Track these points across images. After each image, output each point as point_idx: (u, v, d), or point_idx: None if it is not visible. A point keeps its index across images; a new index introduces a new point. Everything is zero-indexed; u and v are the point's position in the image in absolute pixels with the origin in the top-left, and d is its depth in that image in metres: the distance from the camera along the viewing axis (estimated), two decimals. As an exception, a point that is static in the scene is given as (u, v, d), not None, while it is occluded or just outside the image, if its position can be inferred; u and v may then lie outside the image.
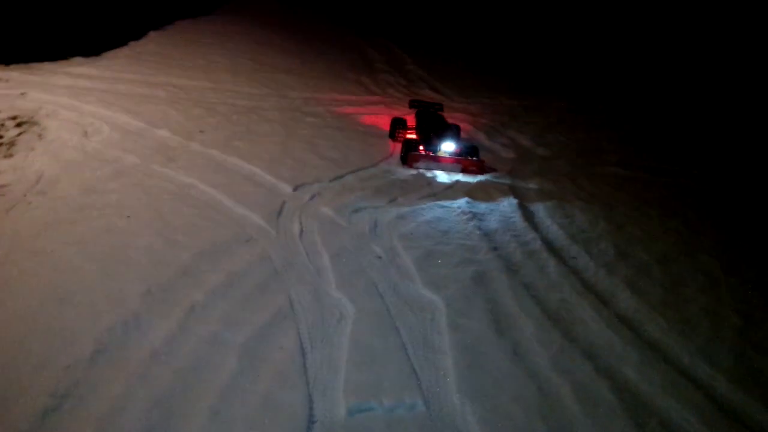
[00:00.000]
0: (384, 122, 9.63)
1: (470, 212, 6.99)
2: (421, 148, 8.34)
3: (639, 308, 5.51)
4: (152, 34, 12.53)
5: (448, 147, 8.29)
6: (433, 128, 8.58)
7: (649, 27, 19.80)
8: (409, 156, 8.13)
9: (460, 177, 8.10)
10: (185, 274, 4.98)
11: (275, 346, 4.40)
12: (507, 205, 7.35)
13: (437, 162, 8.17)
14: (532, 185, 8.06)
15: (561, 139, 10.08)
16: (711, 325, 5.41)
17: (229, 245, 5.53)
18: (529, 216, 7.12)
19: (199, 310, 4.60)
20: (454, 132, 8.49)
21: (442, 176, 8.05)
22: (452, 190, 7.61)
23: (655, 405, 4.40)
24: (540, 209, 7.34)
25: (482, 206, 7.21)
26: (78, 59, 10.25)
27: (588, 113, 11.78)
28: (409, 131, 9.06)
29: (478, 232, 6.55)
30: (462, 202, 7.22)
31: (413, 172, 8.04)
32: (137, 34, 12.19)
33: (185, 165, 7.00)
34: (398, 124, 9.07)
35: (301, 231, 6.09)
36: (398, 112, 10.25)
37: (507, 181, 8.12)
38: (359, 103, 10.49)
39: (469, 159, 8.24)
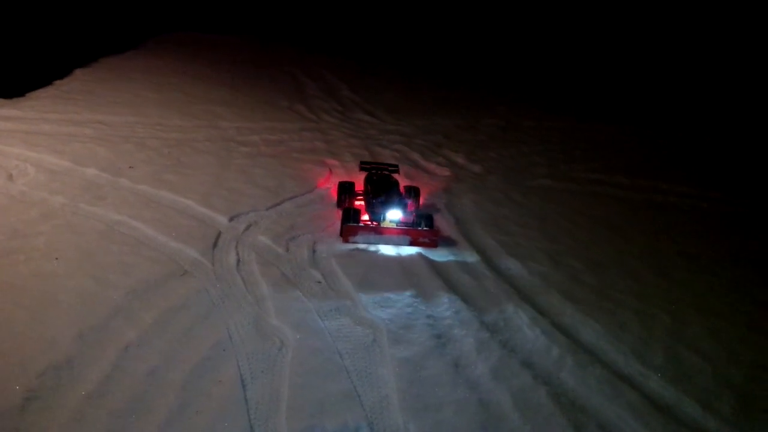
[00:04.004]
0: (319, 148, 9.67)
1: (408, 232, 7.08)
2: (366, 218, 7.12)
3: (573, 314, 5.67)
4: (77, 71, 12.28)
5: (393, 215, 6.94)
6: (378, 194, 7.15)
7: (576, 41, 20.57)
8: (343, 228, 6.83)
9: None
10: (118, 314, 4.89)
11: (215, 380, 4.35)
12: (445, 221, 7.47)
13: (379, 234, 6.78)
14: (467, 202, 8.20)
15: (493, 156, 10.31)
16: (642, 326, 5.61)
17: (163, 281, 5.45)
18: (465, 232, 7.25)
19: (133, 350, 4.53)
20: (402, 197, 7.25)
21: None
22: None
23: (593, 407, 4.53)
24: (476, 225, 7.48)
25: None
26: (0, 101, 9.96)
27: (518, 131, 12.07)
28: (358, 198, 7.67)
29: (417, 251, 6.63)
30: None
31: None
32: (62, 73, 11.93)
33: (115, 202, 6.87)
34: (345, 191, 7.63)
35: (238, 261, 6.05)
36: (332, 137, 10.31)
37: (444, 199, 8.21)
38: (294, 130, 10.49)
39: (418, 229, 6.82)
